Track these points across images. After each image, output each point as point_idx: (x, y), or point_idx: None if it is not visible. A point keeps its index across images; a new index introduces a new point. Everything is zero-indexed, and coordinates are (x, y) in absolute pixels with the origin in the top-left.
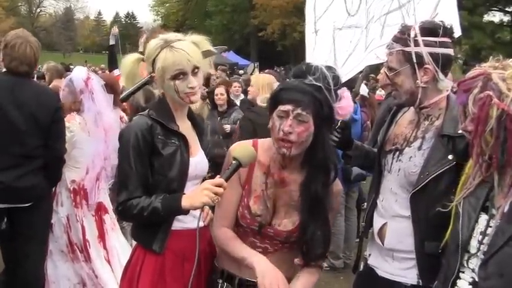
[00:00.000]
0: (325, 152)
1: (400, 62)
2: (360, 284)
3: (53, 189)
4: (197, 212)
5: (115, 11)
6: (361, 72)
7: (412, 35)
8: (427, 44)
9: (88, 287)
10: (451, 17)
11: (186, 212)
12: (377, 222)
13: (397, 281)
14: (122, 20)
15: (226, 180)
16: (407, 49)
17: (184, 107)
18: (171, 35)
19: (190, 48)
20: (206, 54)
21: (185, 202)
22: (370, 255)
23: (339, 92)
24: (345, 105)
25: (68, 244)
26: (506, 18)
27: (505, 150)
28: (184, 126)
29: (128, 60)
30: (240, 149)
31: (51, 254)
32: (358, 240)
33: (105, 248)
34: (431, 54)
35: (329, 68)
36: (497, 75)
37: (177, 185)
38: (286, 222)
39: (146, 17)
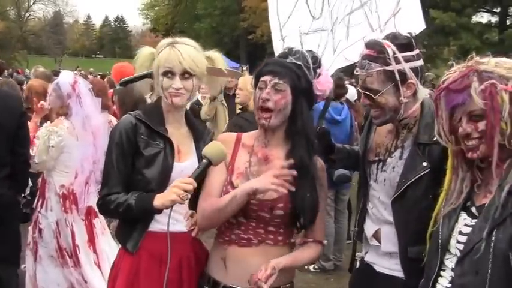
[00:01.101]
0: (303, 120)
1: (383, 82)
2: (356, 281)
3: (44, 194)
4: (180, 216)
5: (104, 14)
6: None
7: (391, 53)
8: (407, 60)
9: None
10: (414, 10)
11: (158, 211)
12: (369, 228)
13: (396, 276)
14: (111, 23)
15: (196, 179)
16: (389, 68)
17: (179, 111)
18: (181, 39)
19: (190, 52)
20: (210, 71)
21: (157, 201)
22: (366, 253)
23: (318, 70)
24: (323, 81)
25: (57, 249)
26: (494, 19)
27: None
28: (178, 131)
29: (144, 52)
30: (212, 147)
31: (41, 259)
32: (349, 241)
33: (95, 252)
34: (412, 69)
35: (309, 51)
36: (486, 66)
37: (155, 186)
38: (271, 193)
39: (135, 21)
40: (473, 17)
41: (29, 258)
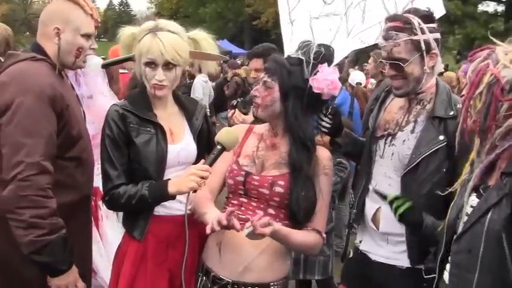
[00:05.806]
0: (296, 117)
1: (410, 51)
2: (350, 270)
3: None
4: (183, 198)
5: None
6: (346, 57)
7: (417, 23)
8: (431, 31)
9: None
10: None
11: (173, 197)
12: (370, 208)
13: (392, 265)
14: (116, 7)
15: (211, 165)
16: (415, 38)
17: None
18: (164, 23)
19: (173, 42)
20: (194, 55)
21: (172, 188)
22: (361, 241)
23: (318, 66)
24: (320, 78)
25: None
26: (500, 8)
27: (488, 115)
28: (167, 113)
29: (125, 32)
30: (225, 133)
31: None
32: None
33: (98, 232)
34: (435, 40)
35: (323, 45)
36: (501, 49)
37: (153, 173)
38: (274, 171)
39: (140, 5)
40: (479, 5)
41: None
